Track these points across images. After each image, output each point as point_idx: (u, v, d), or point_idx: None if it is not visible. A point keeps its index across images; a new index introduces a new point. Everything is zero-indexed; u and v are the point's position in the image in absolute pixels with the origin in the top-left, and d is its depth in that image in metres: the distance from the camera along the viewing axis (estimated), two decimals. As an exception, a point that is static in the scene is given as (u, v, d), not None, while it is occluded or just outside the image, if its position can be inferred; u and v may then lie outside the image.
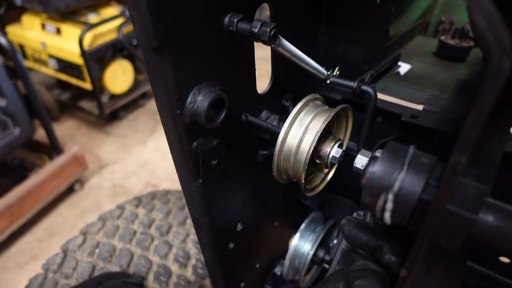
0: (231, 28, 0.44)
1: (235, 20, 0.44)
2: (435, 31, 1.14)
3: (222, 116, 0.48)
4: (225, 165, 0.57)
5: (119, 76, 3.07)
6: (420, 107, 0.68)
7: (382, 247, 0.44)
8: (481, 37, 0.36)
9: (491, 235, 0.32)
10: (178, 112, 0.44)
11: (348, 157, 0.61)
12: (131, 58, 3.16)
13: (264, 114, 0.61)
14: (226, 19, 0.44)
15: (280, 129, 0.54)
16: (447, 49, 0.86)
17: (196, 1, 0.40)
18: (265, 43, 0.44)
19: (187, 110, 0.44)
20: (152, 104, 3.68)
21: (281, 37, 0.47)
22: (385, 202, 0.33)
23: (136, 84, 3.37)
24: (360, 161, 0.49)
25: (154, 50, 0.38)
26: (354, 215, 0.82)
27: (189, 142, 0.48)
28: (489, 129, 0.59)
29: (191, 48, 0.42)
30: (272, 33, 0.43)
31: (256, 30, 0.43)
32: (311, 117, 0.55)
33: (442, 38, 0.87)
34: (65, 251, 1.10)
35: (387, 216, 0.33)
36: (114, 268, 1.03)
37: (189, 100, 0.44)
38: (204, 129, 0.48)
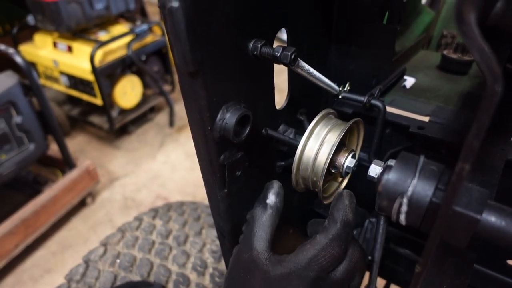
0: (255, 52, 0.50)
1: (259, 45, 0.49)
2: (438, 45, 1.19)
3: (247, 131, 0.53)
4: (247, 176, 0.62)
5: (129, 91, 3.15)
6: (426, 119, 0.72)
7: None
8: (477, 66, 0.41)
9: (494, 233, 0.36)
10: (209, 128, 0.49)
11: (359, 167, 0.65)
12: (139, 73, 3.25)
13: (281, 128, 0.66)
14: (251, 45, 0.49)
15: (298, 142, 0.59)
16: (449, 63, 0.91)
17: (226, 31, 0.45)
18: (286, 65, 0.50)
19: (216, 126, 0.49)
20: (160, 118, 3.75)
21: (299, 59, 0.52)
22: (400, 205, 0.37)
23: (144, 99, 3.45)
24: (374, 170, 0.54)
25: (190, 74, 0.44)
26: (366, 222, 0.86)
27: (217, 155, 0.53)
28: (491, 138, 0.64)
29: (221, 71, 0.47)
30: (292, 56, 0.48)
31: (279, 54, 0.48)
32: (326, 130, 0.59)
33: (445, 52, 0.92)
34: (87, 262, 1.14)
35: (402, 217, 0.38)
36: (135, 277, 1.07)
37: (218, 117, 0.49)
38: (230, 143, 0.52)
